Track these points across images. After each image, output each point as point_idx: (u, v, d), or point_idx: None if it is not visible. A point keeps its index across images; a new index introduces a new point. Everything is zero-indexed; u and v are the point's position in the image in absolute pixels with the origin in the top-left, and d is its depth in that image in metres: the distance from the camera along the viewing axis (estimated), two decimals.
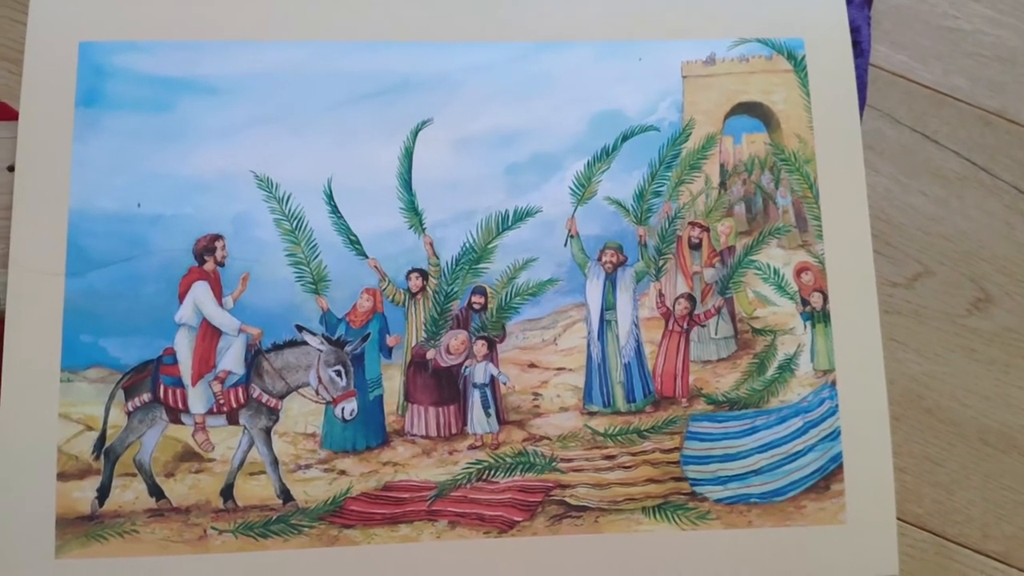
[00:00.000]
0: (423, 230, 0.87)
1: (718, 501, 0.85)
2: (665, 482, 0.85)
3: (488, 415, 0.86)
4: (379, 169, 0.87)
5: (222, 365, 0.84)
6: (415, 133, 0.88)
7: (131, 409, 0.82)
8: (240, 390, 0.84)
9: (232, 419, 0.84)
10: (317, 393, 0.85)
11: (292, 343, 0.85)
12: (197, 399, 0.83)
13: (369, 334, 0.86)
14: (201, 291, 0.84)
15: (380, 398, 0.86)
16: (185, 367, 0.83)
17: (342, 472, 0.83)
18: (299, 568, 0.81)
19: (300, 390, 0.85)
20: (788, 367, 0.88)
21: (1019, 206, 0.95)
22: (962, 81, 0.98)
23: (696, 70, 0.91)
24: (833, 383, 0.87)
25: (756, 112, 0.92)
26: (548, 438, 0.85)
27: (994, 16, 1.00)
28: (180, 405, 0.83)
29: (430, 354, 0.87)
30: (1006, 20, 1.00)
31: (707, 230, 0.90)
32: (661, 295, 0.89)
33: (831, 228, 0.89)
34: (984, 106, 0.97)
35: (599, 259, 0.88)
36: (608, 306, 0.88)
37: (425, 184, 0.88)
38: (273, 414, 0.84)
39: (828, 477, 0.85)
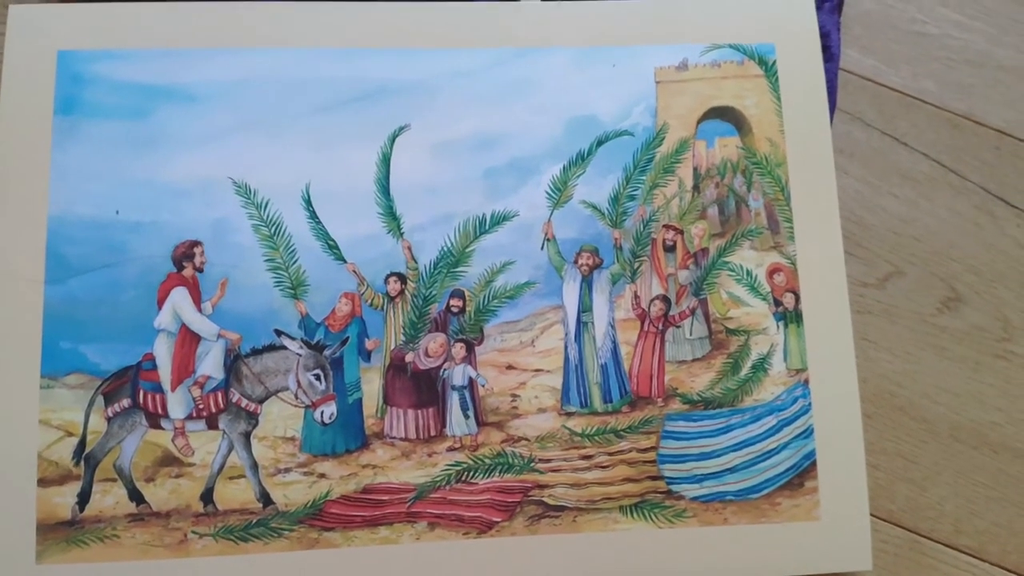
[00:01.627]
0: (401, 234, 0.88)
1: (694, 499, 0.86)
2: (642, 481, 0.86)
3: (467, 417, 0.87)
4: (357, 174, 0.88)
5: (201, 370, 0.84)
6: (392, 138, 0.89)
7: (111, 415, 0.83)
8: (219, 395, 0.84)
9: (212, 424, 0.84)
10: (296, 397, 0.85)
11: (271, 348, 0.85)
12: (177, 404, 0.84)
13: (348, 338, 0.87)
14: (180, 297, 0.84)
15: (359, 401, 0.86)
16: (164, 372, 0.84)
17: (322, 475, 0.84)
18: (279, 571, 0.81)
19: (279, 394, 0.85)
20: (761, 366, 0.89)
21: (987, 206, 0.97)
22: (930, 84, 1.00)
23: (669, 75, 0.92)
24: (806, 382, 0.88)
25: (728, 116, 0.93)
26: (526, 439, 0.86)
27: (961, 20, 1.02)
28: (160, 410, 0.83)
29: (409, 357, 0.88)
30: (973, 24, 1.02)
31: (681, 233, 0.92)
32: (636, 297, 0.90)
33: (803, 230, 0.90)
34: (952, 109, 0.99)
35: (575, 262, 0.90)
36: (584, 308, 0.89)
37: (403, 189, 0.88)
38: (252, 418, 0.84)
39: (802, 474, 0.86)
